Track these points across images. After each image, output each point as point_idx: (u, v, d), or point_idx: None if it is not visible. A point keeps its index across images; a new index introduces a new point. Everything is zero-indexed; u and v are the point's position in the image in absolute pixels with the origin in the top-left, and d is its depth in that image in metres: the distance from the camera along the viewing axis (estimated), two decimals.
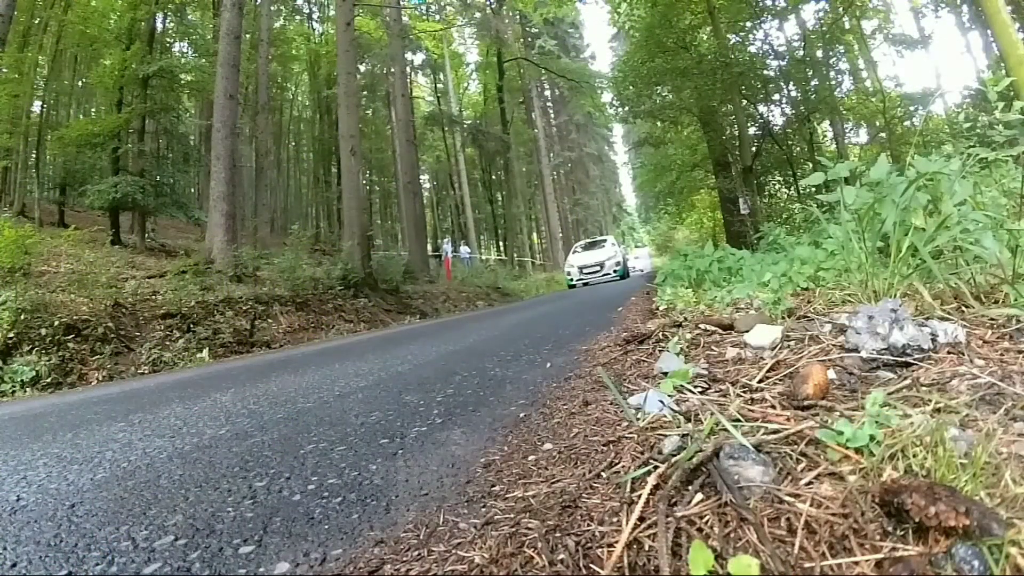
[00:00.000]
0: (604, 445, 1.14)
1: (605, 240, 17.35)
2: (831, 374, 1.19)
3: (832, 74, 12.98)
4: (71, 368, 4.73)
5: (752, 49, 13.06)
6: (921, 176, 1.84)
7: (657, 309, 3.81)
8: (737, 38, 13.27)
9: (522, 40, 28.02)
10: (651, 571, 0.66)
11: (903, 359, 1.21)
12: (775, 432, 0.92)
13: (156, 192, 11.01)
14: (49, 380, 4.47)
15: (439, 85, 30.11)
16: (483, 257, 25.59)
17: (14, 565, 0.95)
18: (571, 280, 15.13)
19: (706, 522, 0.72)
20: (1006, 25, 5.84)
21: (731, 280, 4.45)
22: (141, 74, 10.77)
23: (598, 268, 14.83)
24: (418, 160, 21.33)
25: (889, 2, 17.55)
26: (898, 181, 1.95)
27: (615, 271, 14.75)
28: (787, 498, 0.73)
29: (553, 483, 1.00)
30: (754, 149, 12.73)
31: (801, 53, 12.23)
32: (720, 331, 2.04)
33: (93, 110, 17.30)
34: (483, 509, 0.95)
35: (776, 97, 13.16)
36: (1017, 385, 0.97)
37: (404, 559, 0.82)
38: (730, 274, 4.85)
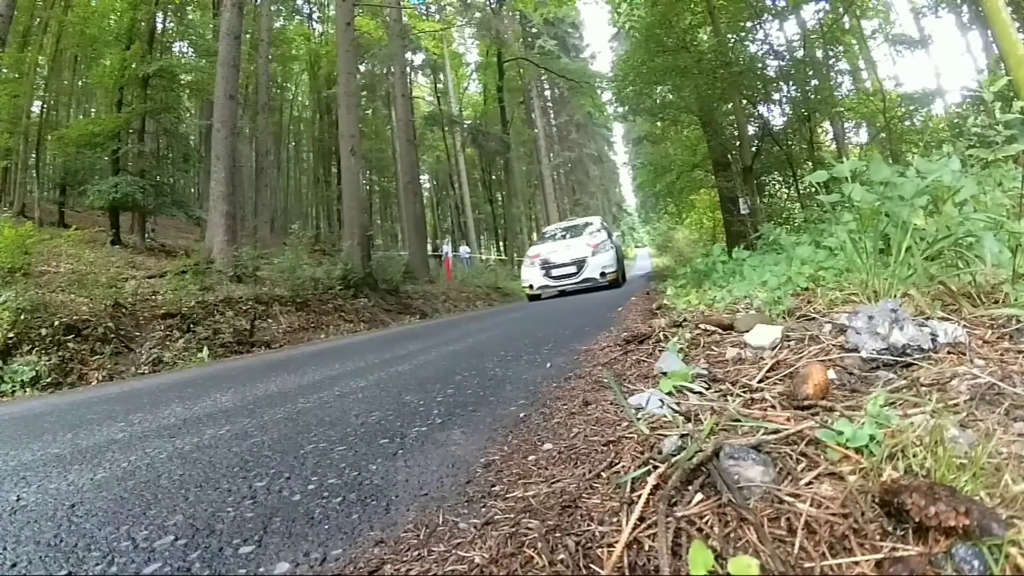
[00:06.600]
0: (604, 445, 1.14)
1: (589, 224, 10.94)
2: (831, 374, 1.19)
3: (832, 74, 12.95)
4: (71, 368, 4.73)
5: (752, 49, 13.05)
6: (923, 176, 1.84)
7: (657, 309, 3.82)
8: (737, 38, 13.25)
9: (522, 40, 27.96)
10: (651, 571, 0.66)
11: (903, 359, 1.21)
12: (775, 432, 0.92)
13: (156, 192, 11.02)
14: (49, 380, 4.47)
15: (439, 85, 30.09)
16: (483, 257, 25.59)
17: (14, 565, 0.94)
18: (528, 286, 9.49)
19: (706, 522, 0.72)
20: (1006, 25, 5.83)
21: (731, 280, 4.45)
22: (141, 74, 10.78)
23: (573, 269, 9.20)
24: (418, 160, 21.33)
25: (889, 2, 17.54)
26: (900, 181, 1.95)
27: (602, 274, 9.04)
28: (787, 498, 0.73)
29: (553, 483, 1.00)
30: (754, 149, 12.71)
31: (801, 53, 12.21)
32: (720, 331, 2.04)
33: (93, 110, 17.28)
34: (483, 509, 0.95)
35: (776, 97, 13.14)
36: (1017, 385, 0.97)
37: (404, 559, 0.82)
38: (731, 274, 4.85)
